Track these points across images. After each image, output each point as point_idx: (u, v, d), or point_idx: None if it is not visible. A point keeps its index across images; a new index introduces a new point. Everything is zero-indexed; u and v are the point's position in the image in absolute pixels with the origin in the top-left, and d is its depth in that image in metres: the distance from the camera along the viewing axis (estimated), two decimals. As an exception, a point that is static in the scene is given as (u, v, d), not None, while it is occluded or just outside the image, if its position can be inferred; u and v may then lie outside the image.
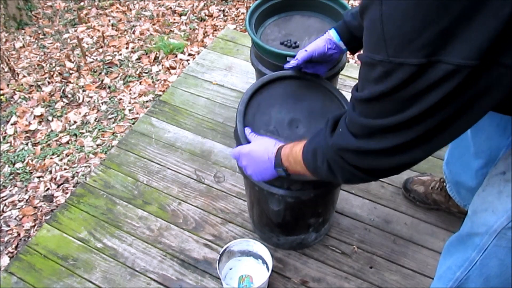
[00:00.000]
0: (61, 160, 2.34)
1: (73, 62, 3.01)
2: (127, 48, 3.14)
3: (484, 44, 0.58)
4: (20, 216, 2.08)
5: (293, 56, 1.24)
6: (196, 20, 3.38)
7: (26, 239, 1.99)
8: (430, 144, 0.72)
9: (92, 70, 2.95)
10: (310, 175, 0.96)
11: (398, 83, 0.65)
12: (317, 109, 1.24)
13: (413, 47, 0.61)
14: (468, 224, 0.97)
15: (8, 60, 2.95)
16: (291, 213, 1.35)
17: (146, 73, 2.91)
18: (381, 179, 1.69)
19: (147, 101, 2.68)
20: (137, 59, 3.03)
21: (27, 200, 2.15)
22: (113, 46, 3.16)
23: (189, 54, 3.03)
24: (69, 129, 2.53)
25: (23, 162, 2.35)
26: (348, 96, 1.21)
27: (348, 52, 1.24)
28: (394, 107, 0.69)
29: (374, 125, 0.73)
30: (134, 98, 2.71)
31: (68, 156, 2.35)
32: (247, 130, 1.16)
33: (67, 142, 2.45)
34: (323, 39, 1.21)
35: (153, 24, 3.37)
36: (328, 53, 1.20)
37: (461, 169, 1.33)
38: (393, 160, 0.76)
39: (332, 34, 1.19)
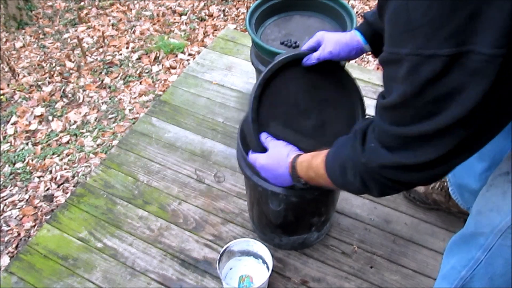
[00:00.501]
0: (61, 160, 2.34)
1: (73, 62, 3.01)
2: (127, 48, 3.14)
3: (509, 30, 0.53)
4: (20, 216, 2.08)
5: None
6: (196, 20, 3.38)
7: (26, 239, 1.99)
8: (471, 148, 0.66)
9: (92, 70, 2.95)
10: (335, 187, 0.92)
11: (429, 79, 0.58)
12: (331, 98, 1.19)
13: (443, 35, 0.55)
14: (472, 224, 0.97)
15: (9, 60, 2.95)
16: (294, 213, 1.35)
17: (146, 73, 2.91)
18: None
19: (147, 101, 2.68)
20: (137, 59, 3.03)
21: (27, 200, 2.15)
22: (113, 46, 3.16)
23: (189, 54, 3.03)
24: (69, 129, 2.53)
25: (23, 162, 2.35)
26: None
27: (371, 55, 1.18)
28: (428, 110, 0.62)
29: (408, 134, 0.66)
30: (134, 98, 2.71)
31: (68, 156, 2.36)
32: (263, 136, 1.10)
33: (67, 142, 2.45)
34: (349, 40, 1.12)
35: (153, 24, 3.37)
36: (351, 55, 1.14)
37: (465, 172, 1.32)
38: (434, 172, 0.70)
39: (358, 37, 1.12)
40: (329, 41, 1.12)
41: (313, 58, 1.13)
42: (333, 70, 1.20)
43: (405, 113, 0.66)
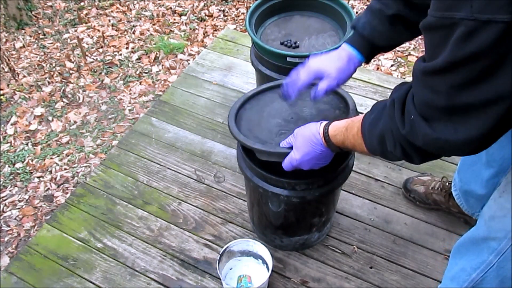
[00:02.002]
0: (61, 160, 2.34)
1: (73, 62, 3.01)
2: (127, 48, 3.14)
3: None
4: (20, 216, 2.08)
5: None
6: (196, 20, 3.38)
7: (26, 239, 1.99)
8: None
9: (92, 70, 2.95)
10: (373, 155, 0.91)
11: (482, 45, 0.56)
12: (308, 113, 1.20)
13: (501, 1, 0.53)
14: (484, 229, 0.99)
15: (8, 60, 2.95)
16: (294, 214, 1.35)
17: (146, 73, 2.91)
18: (381, 180, 1.70)
19: (147, 101, 2.68)
20: (137, 59, 3.03)
21: (27, 200, 2.15)
22: (113, 46, 3.16)
23: (189, 54, 3.03)
24: (69, 129, 2.53)
25: (23, 162, 2.35)
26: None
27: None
28: (477, 77, 0.59)
29: (452, 104, 0.63)
30: (134, 98, 2.71)
31: (68, 156, 2.36)
32: (283, 143, 1.07)
33: (67, 142, 2.45)
34: (346, 63, 1.06)
35: (153, 24, 3.37)
36: (350, 76, 1.09)
37: (472, 177, 1.33)
38: (475, 145, 0.67)
39: (354, 54, 1.07)
40: (330, 72, 1.06)
41: (321, 90, 1.07)
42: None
43: (450, 79, 0.62)
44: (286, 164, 1.06)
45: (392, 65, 2.79)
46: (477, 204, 1.35)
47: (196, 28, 3.29)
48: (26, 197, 2.17)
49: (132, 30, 3.32)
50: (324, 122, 0.99)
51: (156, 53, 3.03)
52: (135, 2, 3.62)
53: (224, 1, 3.56)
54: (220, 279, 1.40)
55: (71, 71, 2.95)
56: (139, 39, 3.21)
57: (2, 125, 2.58)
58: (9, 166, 2.33)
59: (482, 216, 1.01)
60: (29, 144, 2.46)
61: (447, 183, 1.52)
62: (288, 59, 1.47)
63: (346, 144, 0.93)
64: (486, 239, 0.98)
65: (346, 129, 0.91)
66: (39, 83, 2.86)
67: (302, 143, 1.00)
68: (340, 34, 1.63)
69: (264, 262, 1.41)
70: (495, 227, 0.95)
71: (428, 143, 0.71)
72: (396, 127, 0.76)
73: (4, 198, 2.16)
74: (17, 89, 2.82)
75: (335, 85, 1.07)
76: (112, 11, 3.55)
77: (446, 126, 0.67)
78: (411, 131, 0.72)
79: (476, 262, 1.01)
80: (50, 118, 2.61)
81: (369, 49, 1.07)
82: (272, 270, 1.38)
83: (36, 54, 3.15)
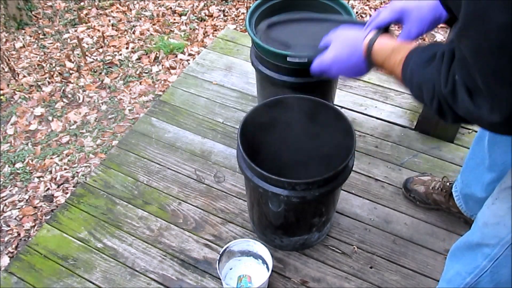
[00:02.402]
0: (61, 160, 2.34)
1: (73, 62, 3.01)
2: (127, 48, 3.14)
3: None
4: (20, 216, 2.08)
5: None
6: (196, 20, 3.38)
7: (26, 239, 1.99)
8: None
9: (92, 70, 2.95)
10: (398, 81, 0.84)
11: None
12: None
13: None
14: (478, 235, 1.00)
15: (8, 60, 2.95)
16: (294, 214, 1.35)
17: (146, 73, 2.91)
18: (381, 180, 1.70)
19: (147, 101, 2.68)
20: (137, 59, 3.03)
21: (27, 200, 2.15)
22: (113, 46, 3.16)
23: (189, 54, 3.03)
24: (69, 129, 2.53)
25: (23, 162, 2.35)
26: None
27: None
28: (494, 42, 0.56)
29: (483, 72, 0.60)
30: (134, 98, 2.71)
31: (68, 156, 2.35)
32: (326, 40, 0.98)
33: (67, 142, 2.45)
34: (432, 15, 0.95)
35: (153, 24, 3.37)
36: (430, 20, 0.96)
37: (474, 180, 1.33)
38: (508, 128, 0.65)
39: (440, 6, 0.95)
40: (414, 21, 0.96)
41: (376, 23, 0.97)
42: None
43: (470, 41, 0.59)
44: (316, 64, 0.98)
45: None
46: (476, 207, 1.35)
47: (196, 28, 3.29)
48: (26, 197, 2.17)
49: (132, 30, 3.32)
50: (373, 32, 0.90)
51: (156, 53, 3.03)
52: (135, 2, 3.62)
53: (224, 1, 3.56)
54: (220, 279, 1.40)
55: (71, 71, 2.95)
56: (139, 39, 3.21)
57: (2, 125, 2.58)
58: (9, 166, 2.33)
59: (477, 221, 1.02)
60: (29, 144, 2.46)
61: (447, 183, 1.52)
62: (288, 59, 1.47)
63: (385, 67, 0.86)
64: (480, 245, 0.99)
65: (392, 51, 0.84)
66: (39, 83, 2.86)
67: (341, 44, 0.93)
68: None
69: (264, 262, 1.41)
70: (488, 234, 0.96)
71: (463, 111, 0.68)
72: (439, 82, 0.71)
73: (4, 198, 2.16)
74: (17, 89, 2.82)
75: (413, 35, 0.97)
76: (112, 11, 3.54)
77: (483, 102, 0.64)
78: (452, 91, 0.69)
79: (471, 267, 1.02)
80: (50, 118, 2.61)
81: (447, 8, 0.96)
82: (272, 270, 1.38)
83: (36, 54, 3.15)
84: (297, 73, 1.49)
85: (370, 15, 3.24)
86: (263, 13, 1.68)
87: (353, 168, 1.32)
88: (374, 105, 1.98)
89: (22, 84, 2.85)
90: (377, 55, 0.88)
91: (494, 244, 0.94)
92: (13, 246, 1.97)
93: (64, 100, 2.73)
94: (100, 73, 2.92)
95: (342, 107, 1.96)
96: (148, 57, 3.03)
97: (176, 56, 3.02)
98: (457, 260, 1.09)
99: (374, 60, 0.89)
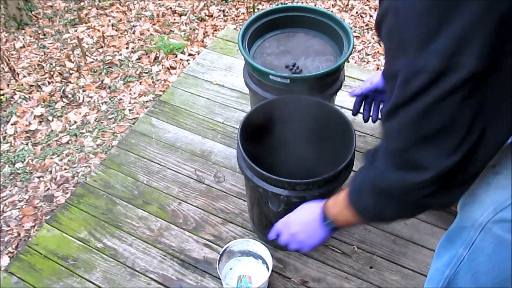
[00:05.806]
0: (61, 160, 2.34)
1: (73, 62, 3.01)
2: (127, 48, 3.14)
3: (493, 42, 0.59)
4: (20, 216, 2.08)
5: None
6: (196, 20, 3.38)
7: (26, 239, 1.99)
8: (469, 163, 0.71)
9: (92, 70, 2.95)
10: (359, 219, 0.94)
11: (420, 88, 0.64)
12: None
13: (432, 49, 0.61)
14: (457, 219, 0.95)
15: (8, 60, 2.95)
16: None
17: (146, 73, 2.91)
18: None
19: (147, 101, 2.68)
20: (137, 59, 3.03)
21: (27, 200, 2.15)
22: (113, 46, 3.16)
23: (189, 54, 3.03)
24: (69, 129, 2.53)
25: (23, 162, 2.35)
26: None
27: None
28: (417, 118, 0.68)
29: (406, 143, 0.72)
30: (134, 98, 2.71)
31: (68, 156, 2.35)
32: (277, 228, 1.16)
33: (67, 142, 2.45)
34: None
35: (153, 24, 3.37)
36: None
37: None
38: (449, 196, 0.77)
39: None
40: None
41: (357, 90, 1.37)
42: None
43: (400, 121, 0.71)
44: (279, 225, 1.15)
45: (392, 65, 2.79)
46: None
47: (196, 28, 3.29)
48: (26, 197, 2.17)
49: (132, 30, 3.32)
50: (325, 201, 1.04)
51: (156, 53, 3.03)
52: (135, 2, 3.62)
53: (224, 1, 3.56)
54: (220, 279, 1.40)
55: (71, 71, 2.95)
56: (139, 39, 3.21)
57: (2, 125, 2.58)
58: (9, 166, 2.33)
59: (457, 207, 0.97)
60: (29, 144, 2.46)
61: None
62: (270, 77, 1.46)
63: (336, 207, 0.97)
64: (458, 229, 0.93)
65: (338, 194, 0.97)
66: (39, 83, 2.86)
67: (302, 211, 1.10)
68: (338, 59, 1.58)
69: (264, 262, 1.42)
70: (464, 216, 0.90)
71: (396, 187, 0.77)
72: (367, 174, 0.85)
73: (4, 198, 2.16)
74: (17, 89, 2.82)
75: (370, 89, 1.38)
76: (112, 11, 3.54)
77: (407, 169, 0.74)
78: (378, 175, 0.80)
79: (448, 257, 0.96)
80: (50, 118, 2.61)
81: None
82: (272, 270, 1.38)
83: (36, 54, 3.15)
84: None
85: (370, 15, 3.24)
86: (264, 25, 1.65)
87: (353, 168, 1.32)
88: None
89: (22, 84, 2.85)
90: (329, 205, 0.99)
91: (469, 226, 0.88)
92: (13, 246, 1.97)
93: (64, 100, 2.73)
94: (100, 73, 2.92)
95: (342, 107, 1.96)
96: (148, 57, 3.03)
97: (176, 56, 3.02)
98: (440, 256, 1.02)
99: (327, 210, 0.99)
